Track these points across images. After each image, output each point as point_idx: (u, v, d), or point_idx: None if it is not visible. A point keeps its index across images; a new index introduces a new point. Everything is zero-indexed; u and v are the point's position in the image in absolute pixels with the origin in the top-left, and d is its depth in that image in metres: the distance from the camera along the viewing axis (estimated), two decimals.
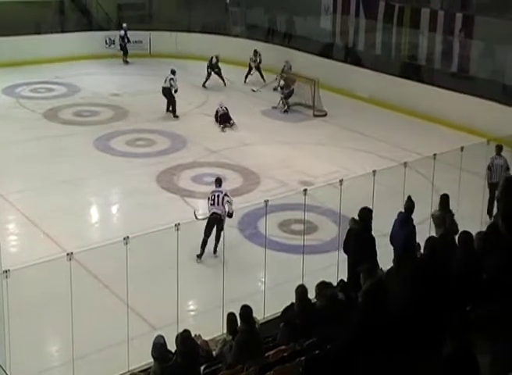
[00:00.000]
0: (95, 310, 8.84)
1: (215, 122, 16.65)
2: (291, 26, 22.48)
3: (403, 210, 8.80)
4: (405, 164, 9.85)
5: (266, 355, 6.13)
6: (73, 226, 11.45)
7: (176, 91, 17.11)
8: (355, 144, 15.66)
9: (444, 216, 8.70)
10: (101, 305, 9.03)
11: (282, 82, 18.24)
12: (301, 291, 6.57)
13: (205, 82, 20.01)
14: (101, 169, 13.95)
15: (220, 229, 10.06)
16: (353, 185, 9.93)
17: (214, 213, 10.19)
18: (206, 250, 10.32)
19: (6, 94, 18.85)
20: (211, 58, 19.94)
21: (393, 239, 8.45)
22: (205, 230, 10.20)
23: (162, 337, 6.61)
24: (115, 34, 22.85)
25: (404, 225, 8.35)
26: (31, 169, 13.71)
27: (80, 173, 13.61)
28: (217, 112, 16.71)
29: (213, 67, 20.02)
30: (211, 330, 7.57)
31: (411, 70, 19.18)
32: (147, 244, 9.87)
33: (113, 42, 22.97)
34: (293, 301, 6.59)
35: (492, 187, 11.42)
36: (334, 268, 8.91)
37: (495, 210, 11.00)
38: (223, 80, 20.10)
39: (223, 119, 16.53)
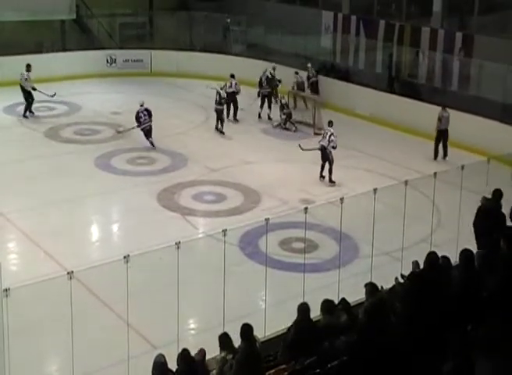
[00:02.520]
0: (95, 329, 8.81)
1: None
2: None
3: (403, 229, 8.78)
4: (406, 182, 9.85)
5: (267, 373, 6.10)
6: (74, 244, 11.45)
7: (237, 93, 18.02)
8: (355, 162, 15.69)
9: None
10: (101, 324, 9.01)
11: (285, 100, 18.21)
12: (303, 308, 6.55)
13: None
14: (102, 188, 13.98)
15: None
16: (353, 203, 9.93)
17: None
18: (207, 268, 10.28)
19: (7, 112, 18.93)
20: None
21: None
22: None
23: (163, 355, 6.59)
24: (116, 53, 23.01)
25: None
26: (32, 188, 13.73)
27: (81, 192, 13.63)
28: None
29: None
30: (212, 348, 7.51)
31: (411, 89, 19.32)
32: (147, 263, 9.87)
33: (114, 61, 23.13)
34: (295, 319, 6.57)
35: (439, 133, 15.55)
36: (335, 286, 8.89)
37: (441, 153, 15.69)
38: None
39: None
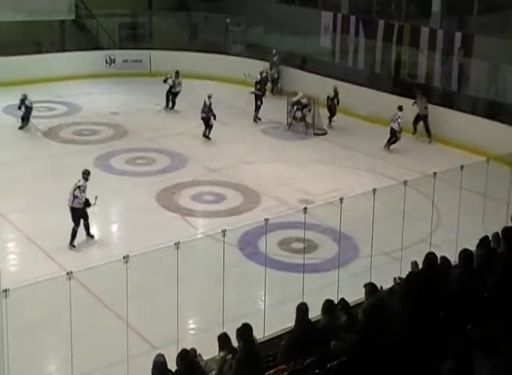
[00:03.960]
0: (95, 329, 8.81)
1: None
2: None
3: (402, 229, 8.78)
4: (405, 182, 9.85)
5: (266, 374, 6.09)
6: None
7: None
8: (355, 162, 15.70)
9: None
10: (100, 324, 9.00)
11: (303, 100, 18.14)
12: (302, 309, 6.54)
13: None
14: (101, 188, 13.93)
15: None
16: (353, 203, 9.93)
17: None
18: (207, 268, 10.27)
19: (7, 113, 18.91)
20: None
21: None
22: None
23: (162, 355, 6.59)
24: (115, 54, 23.00)
25: None
26: (31, 188, 13.72)
27: None
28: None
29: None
30: (211, 349, 7.51)
31: (412, 89, 19.32)
32: (147, 263, 9.87)
33: (113, 61, 23.12)
34: (294, 319, 6.56)
35: (420, 117, 17.34)
36: (334, 286, 8.88)
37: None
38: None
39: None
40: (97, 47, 23.59)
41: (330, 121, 18.47)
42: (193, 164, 15.43)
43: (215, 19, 24.37)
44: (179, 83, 19.54)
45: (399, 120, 16.41)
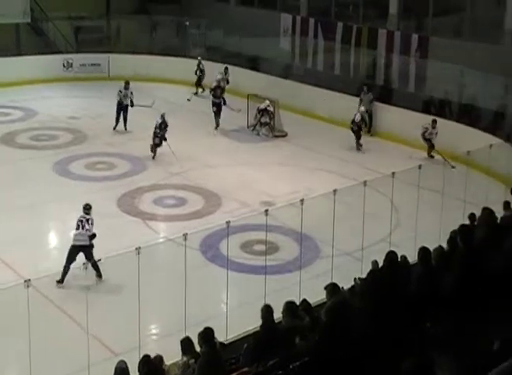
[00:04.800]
0: (54, 337, 8.66)
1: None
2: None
3: (363, 229, 8.86)
4: (365, 183, 9.94)
5: None
6: (31, 252, 11.21)
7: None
8: (316, 163, 15.79)
9: None
10: (60, 332, 8.86)
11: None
12: (266, 310, 6.54)
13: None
14: (61, 194, 13.75)
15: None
16: (314, 205, 9.98)
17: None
18: (168, 272, 10.20)
19: None
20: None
21: None
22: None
23: (124, 362, 6.53)
24: (73, 57, 22.70)
25: None
26: None
27: (39, 198, 13.37)
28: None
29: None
30: (174, 354, 7.46)
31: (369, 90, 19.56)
32: (107, 269, 9.77)
33: (71, 65, 22.82)
34: (257, 321, 6.56)
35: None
36: (296, 287, 8.91)
37: None
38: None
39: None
40: (53, 51, 23.23)
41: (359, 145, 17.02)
42: (154, 168, 15.32)
43: (174, 22, 24.28)
44: (128, 95, 17.65)
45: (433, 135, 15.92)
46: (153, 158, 15.77)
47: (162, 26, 24.28)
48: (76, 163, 15.49)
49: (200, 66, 21.36)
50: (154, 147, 15.82)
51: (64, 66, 22.77)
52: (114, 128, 17.82)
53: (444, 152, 14.88)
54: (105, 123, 18.28)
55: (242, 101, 19.11)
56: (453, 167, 13.52)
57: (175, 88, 21.57)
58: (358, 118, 16.85)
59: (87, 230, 10.15)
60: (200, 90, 21.39)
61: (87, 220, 10.26)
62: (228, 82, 20.10)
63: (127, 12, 25.13)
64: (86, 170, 15.16)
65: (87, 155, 15.96)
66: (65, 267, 9.96)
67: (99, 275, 10.08)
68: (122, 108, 17.69)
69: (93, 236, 10.17)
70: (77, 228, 10.22)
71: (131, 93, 17.64)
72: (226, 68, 20.51)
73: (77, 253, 10.10)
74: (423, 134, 16.03)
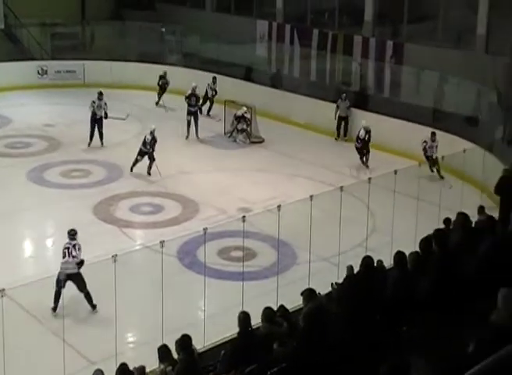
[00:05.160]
0: (29, 347, 8.55)
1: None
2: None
3: (339, 234, 8.89)
4: (341, 188, 9.99)
5: None
6: (6, 261, 11.09)
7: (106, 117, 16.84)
8: (292, 169, 15.83)
9: None
10: (36, 342, 8.75)
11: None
12: (243, 317, 6.54)
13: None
14: (36, 202, 13.62)
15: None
16: (291, 210, 10.02)
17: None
18: (145, 280, 10.14)
19: None
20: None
21: None
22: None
23: (101, 371, 6.47)
24: (48, 64, 22.53)
25: None
26: None
27: (14, 207, 13.23)
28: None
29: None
30: (151, 361, 7.41)
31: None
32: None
33: (46, 72, 22.64)
34: (234, 328, 6.55)
35: (340, 118, 17.91)
36: (274, 293, 8.92)
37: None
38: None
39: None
40: (28, 57, 23.02)
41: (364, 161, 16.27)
42: (130, 175, 15.23)
43: (150, 28, 24.21)
44: (102, 107, 16.78)
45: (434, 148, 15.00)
46: (131, 170, 15.23)
47: (138, 32, 24.17)
48: (51, 171, 15.35)
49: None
50: (136, 162, 15.16)
51: (39, 72, 22.57)
52: (89, 144, 16.82)
53: (418, 158, 14.98)
54: (81, 130, 18.09)
55: (219, 107, 19.14)
56: (450, 187, 12.85)
57: (151, 95, 21.49)
58: (362, 134, 15.91)
59: (73, 256, 9.47)
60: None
61: (74, 246, 9.60)
62: (216, 92, 19.82)
63: (102, 18, 25.02)
64: (61, 178, 15.03)
65: (63, 163, 15.83)
66: (56, 292, 9.24)
67: (93, 306, 9.48)
68: (96, 121, 16.78)
69: (81, 263, 9.49)
70: (64, 256, 9.52)
71: (105, 104, 16.81)
72: (215, 78, 20.13)
73: (66, 281, 9.37)
74: (424, 150, 15.10)
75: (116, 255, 7.72)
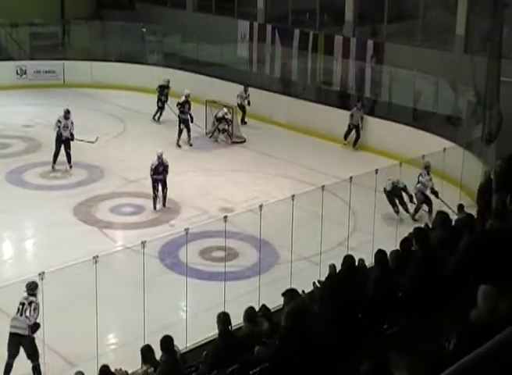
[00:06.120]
0: None
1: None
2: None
3: (321, 233, 8.91)
4: (323, 187, 10.01)
5: None
6: None
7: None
8: (274, 169, 15.83)
9: None
10: None
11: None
12: (223, 318, 6.53)
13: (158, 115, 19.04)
14: (15, 204, 13.48)
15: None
16: (272, 210, 10.02)
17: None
18: (127, 281, 10.07)
19: None
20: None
21: None
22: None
23: (82, 373, 6.43)
24: (27, 64, 22.33)
25: None
26: None
27: None
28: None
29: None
30: (133, 363, 7.37)
31: (327, 95, 19.74)
32: (64, 279, 9.57)
33: (25, 72, 22.42)
34: (216, 328, 6.54)
35: (353, 126, 17.27)
36: (256, 293, 8.91)
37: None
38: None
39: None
40: (6, 57, 22.79)
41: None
42: (110, 176, 15.12)
43: (130, 28, 24.06)
44: (68, 127, 15.20)
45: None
46: (154, 209, 13.20)
47: (118, 32, 24.02)
48: (30, 172, 15.20)
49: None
50: (155, 198, 13.19)
51: (17, 73, 22.34)
52: (52, 167, 15.18)
53: (400, 157, 15.05)
54: None
55: (200, 107, 19.08)
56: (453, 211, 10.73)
57: (132, 95, 21.38)
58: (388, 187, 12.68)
59: (26, 316, 7.92)
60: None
61: (30, 304, 7.98)
62: (249, 103, 18.95)
63: (82, 18, 24.84)
64: (40, 179, 14.89)
65: (42, 164, 15.66)
66: (7, 365, 7.86)
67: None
68: (62, 142, 15.12)
69: (35, 327, 7.88)
70: (17, 311, 8.04)
71: (71, 123, 15.19)
72: (246, 87, 19.12)
73: (18, 344, 7.94)
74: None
75: (97, 256, 7.67)
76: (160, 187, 13.28)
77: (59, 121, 15.26)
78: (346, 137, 17.48)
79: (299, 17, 21.81)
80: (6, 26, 22.95)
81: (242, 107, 19.20)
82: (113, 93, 21.45)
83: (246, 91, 19.21)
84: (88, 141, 15.81)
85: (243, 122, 19.13)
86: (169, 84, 19.36)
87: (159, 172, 13.26)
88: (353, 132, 17.38)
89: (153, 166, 13.30)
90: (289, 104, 19.19)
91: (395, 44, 18.32)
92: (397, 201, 12.59)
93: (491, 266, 6.14)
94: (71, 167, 15.33)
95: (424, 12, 18.14)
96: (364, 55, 18.97)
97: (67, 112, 15.36)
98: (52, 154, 15.26)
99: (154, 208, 13.24)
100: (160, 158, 13.38)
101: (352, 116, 17.23)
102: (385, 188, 12.42)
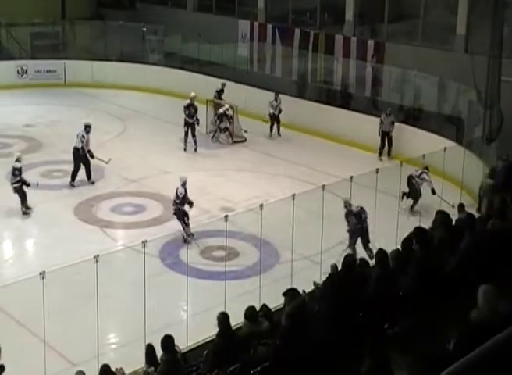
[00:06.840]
0: (11, 349, 8.42)
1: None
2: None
3: (321, 233, 8.91)
4: (323, 187, 10.00)
5: None
6: None
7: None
8: (275, 169, 15.84)
9: None
10: (17, 344, 8.65)
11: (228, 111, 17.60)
12: (223, 318, 6.53)
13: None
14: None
15: None
16: (273, 210, 10.01)
17: None
18: (127, 280, 10.07)
19: None
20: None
21: None
22: None
23: (83, 372, 6.43)
24: (27, 64, 22.33)
25: None
26: None
27: None
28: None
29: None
30: (133, 362, 7.39)
31: (327, 95, 19.75)
32: (65, 278, 9.59)
33: (26, 72, 22.45)
34: (216, 328, 6.55)
35: (383, 133, 16.45)
36: (256, 293, 8.91)
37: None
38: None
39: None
40: (7, 57, 22.81)
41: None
42: (111, 175, 15.12)
43: (131, 28, 24.09)
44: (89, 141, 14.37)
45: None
46: (186, 240, 11.59)
47: (119, 32, 24.04)
48: (31, 171, 15.17)
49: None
50: (185, 227, 11.74)
51: (18, 72, 22.37)
52: (72, 185, 14.36)
53: (401, 157, 15.06)
54: (61, 130, 17.99)
55: (201, 107, 19.06)
56: (452, 206, 11.21)
57: (132, 95, 21.39)
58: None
59: None
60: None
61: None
62: (280, 111, 18.03)
63: (83, 17, 24.87)
64: (42, 178, 14.88)
65: (43, 163, 15.68)
66: None
67: None
68: (83, 157, 14.37)
69: None
70: None
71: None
72: (277, 94, 18.15)
73: None
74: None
75: (98, 255, 7.67)
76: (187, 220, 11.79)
77: (83, 136, 14.32)
78: (381, 152, 16.43)
79: (299, 17, 21.83)
80: (7, 26, 22.97)
81: (275, 117, 18.07)
82: (114, 92, 21.47)
83: (276, 98, 18.07)
84: (102, 160, 14.93)
85: (278, 134, 18.04)
86: (223, 87, 18.59)
87: (188, 202, 11.99)
88: (385, 141, 16.37)
89: (181, 195, 11.88)
90: (290, 103, 19.17)
91: (395, 43, 18.33)
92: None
93: (491, 265, 6.14)
94: (93, 183, 14.55)
95: (424, 11, 18.15)
96: (365, 55, 18.97)
97: (88, 126, 14.44)
98: (71, 172, 14.36)
99: (185, 241, 11.52)
100: (184, 185, 12.05)
101: (382, 122, 16.36)
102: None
